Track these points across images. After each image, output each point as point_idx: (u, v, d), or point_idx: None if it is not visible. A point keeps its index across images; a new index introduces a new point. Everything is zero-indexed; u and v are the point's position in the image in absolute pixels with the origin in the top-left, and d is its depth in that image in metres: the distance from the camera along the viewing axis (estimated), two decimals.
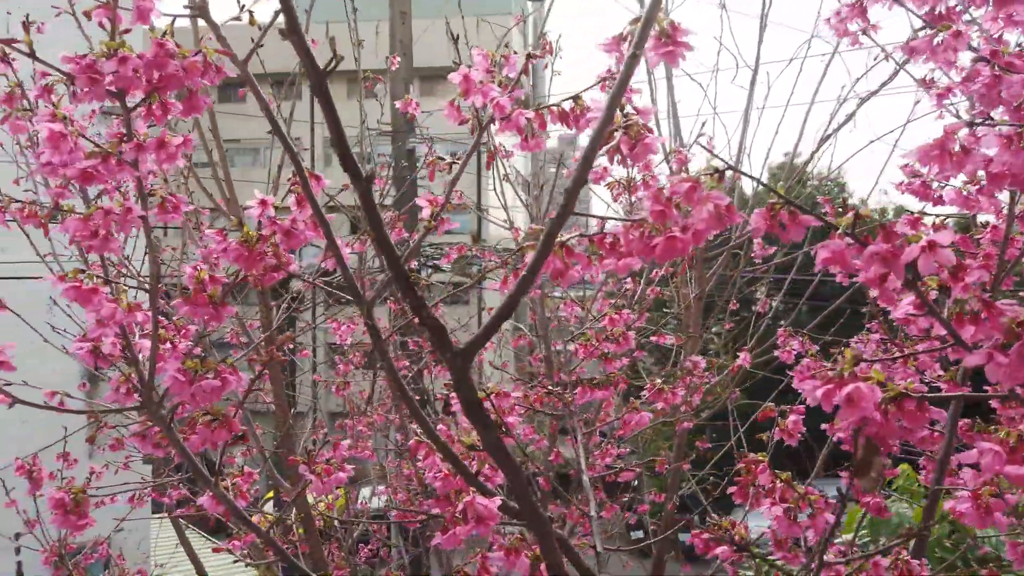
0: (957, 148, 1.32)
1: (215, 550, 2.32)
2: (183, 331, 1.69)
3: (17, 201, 1.64)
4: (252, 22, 1.46)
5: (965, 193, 1.65)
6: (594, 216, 1.22)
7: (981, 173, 1.46)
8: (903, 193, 1.86)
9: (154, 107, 1.35)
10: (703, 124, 7.57)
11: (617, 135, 1.24)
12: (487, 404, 1.49)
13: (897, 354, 1.97)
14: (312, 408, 5.69)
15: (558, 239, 1.08)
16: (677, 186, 0.94)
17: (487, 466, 1.52)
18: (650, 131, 1.23)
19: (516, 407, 1.63)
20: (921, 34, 1.53)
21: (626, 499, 4.38)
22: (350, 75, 3.84)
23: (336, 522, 4.37)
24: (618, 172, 1.52)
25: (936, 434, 1.71)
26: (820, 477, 2.14)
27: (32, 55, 1.25)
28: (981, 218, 1.86)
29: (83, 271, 1.41)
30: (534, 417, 3.25)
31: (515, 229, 4.31)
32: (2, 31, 1.72)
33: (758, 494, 1.76)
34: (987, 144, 1.28)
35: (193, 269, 1.47)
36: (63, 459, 4.31)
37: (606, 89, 1.49)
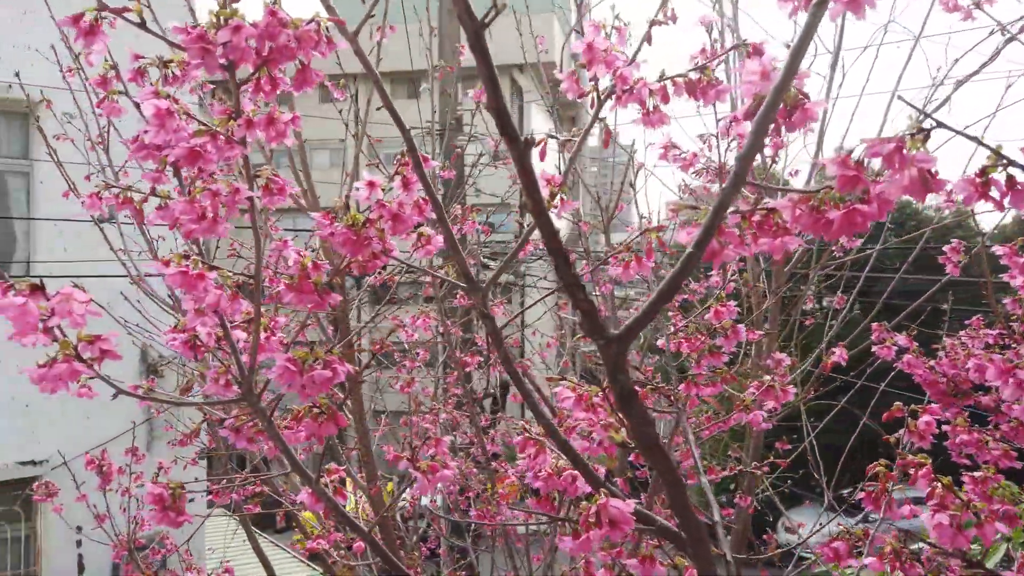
0: None
1: (309, 550, 2.25)
2: (273, 322, 1.63)
3: (113, 186, 1.58)
4: None
5: None
6: (757, 185, 1.10)
7: None
8: None
9: (263, 81, 1.28)
10: None
11: None
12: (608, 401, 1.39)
13: None
14: (371, 407, 5.66)
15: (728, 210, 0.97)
16: (877, 147, 0.82)
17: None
18: (807, 97, 1.12)
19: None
20: None
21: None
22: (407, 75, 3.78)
23: (400, 520, 4.32)
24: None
25: None
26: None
27: (143, 25, 1.19)
28: None
29: (187, 256, 1.34)
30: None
31: (583, 222, 4.20)
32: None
33: (891, 501, 1.63)
34: None
35: (298, 255, 1.39)
36: (131, 454, 4.33)
37: (694, 61, 1.39)
